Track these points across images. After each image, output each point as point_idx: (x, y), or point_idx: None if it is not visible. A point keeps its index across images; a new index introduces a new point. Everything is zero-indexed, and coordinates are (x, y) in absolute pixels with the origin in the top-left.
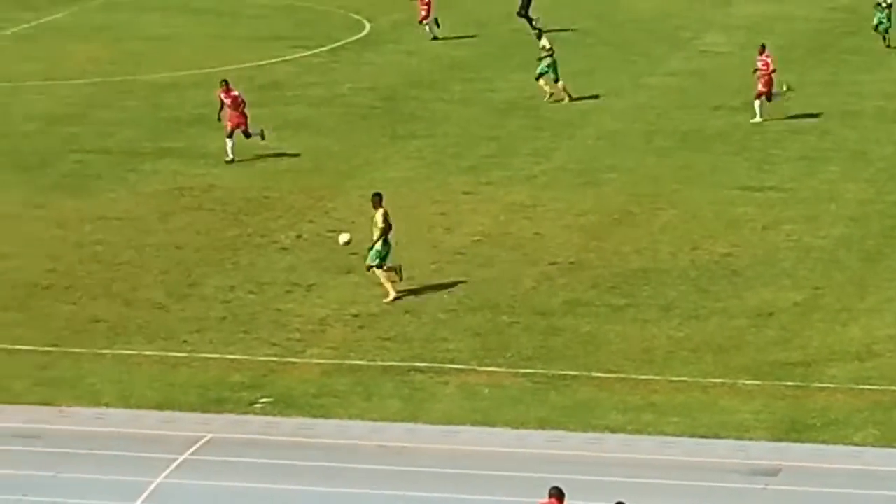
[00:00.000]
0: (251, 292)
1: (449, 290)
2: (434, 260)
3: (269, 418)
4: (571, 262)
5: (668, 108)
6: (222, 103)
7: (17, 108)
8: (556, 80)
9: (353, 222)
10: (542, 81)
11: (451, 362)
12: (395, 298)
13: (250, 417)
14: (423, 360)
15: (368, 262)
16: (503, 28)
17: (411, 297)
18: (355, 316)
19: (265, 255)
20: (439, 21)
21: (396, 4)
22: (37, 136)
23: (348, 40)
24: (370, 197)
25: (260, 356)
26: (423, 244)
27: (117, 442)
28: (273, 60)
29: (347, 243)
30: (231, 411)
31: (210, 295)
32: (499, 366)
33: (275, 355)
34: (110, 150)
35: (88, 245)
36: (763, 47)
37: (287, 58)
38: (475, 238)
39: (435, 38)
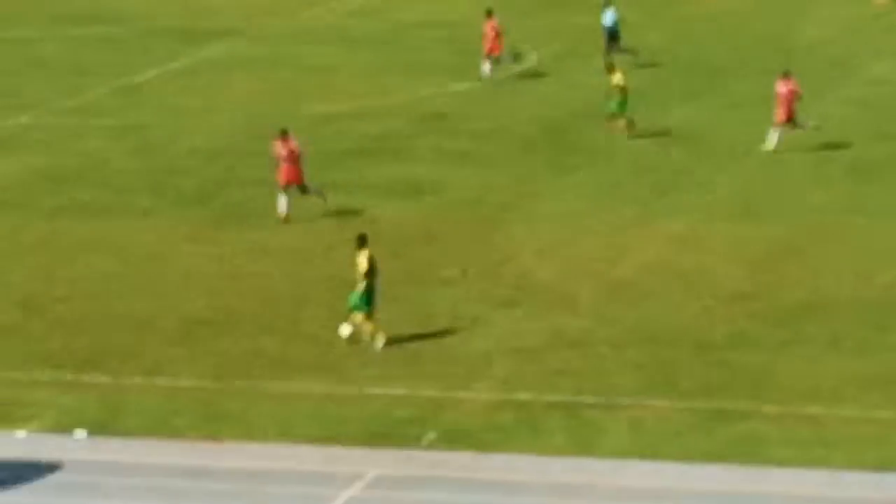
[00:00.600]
0: (416, 326)
1: (614, 323)
2: (598, 292)
3: (435, 454)
4: (736, 295)
5: (835, 137)
6: (278, 155)
7: (178, 142)
8: (617, 114)
9: (517, 254)
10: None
11: (618, 396)
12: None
13: (415, 453)
14: (589, 394)
15: (349, 304)
16: (664, 58)
17: (577, 331)
18: (521, 350)
19: (429, 289)
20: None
21: (559, 36)
22: (197, 170)
23: (512, 72)
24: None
25: (425, 391)
26: (587, 277)
27: (280, 478)
28: (436, 92)
29: (350, 338)
30: (396, 447)
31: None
32: (665, 399)
33: (440, 390)
34: (270, 182)
35: (250, 279)
36: (786, 73)
37: (450, 89)
38: (639, 271)
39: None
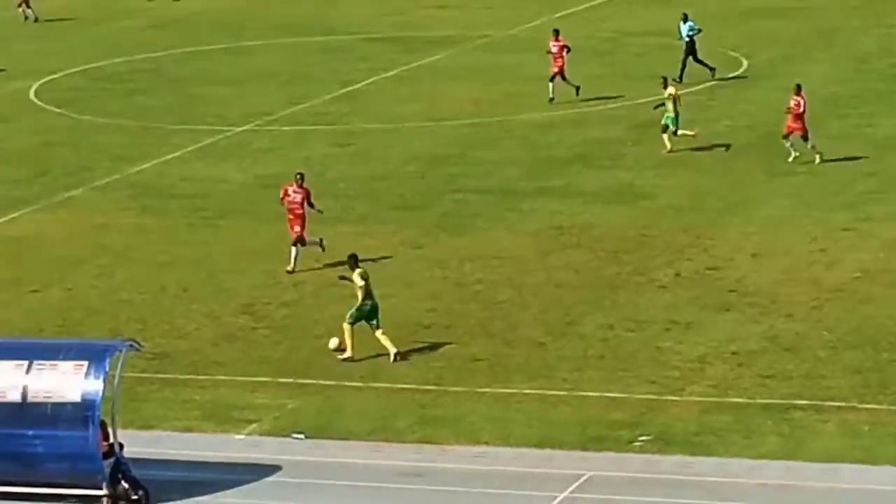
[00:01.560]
0: (630, 330)
1: (829, 327)
2: (814, 297)
3: (649, 456)
4: None
5: None
6: (285, 195)
7: (397, 149)
8: (675, 132)
9: (731, 259)
10: (665, 135)
11: (832, 399)
12: (347, 358)
13: (630, 455)
14: (802, 398)
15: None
16: (883, 63)
17: (792, 335)
18: (734, 353)
19: (644, 294)
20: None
21: (773, 41)
22: (416, 176)
23: (726, 77)
24: (346, 260)
25: (639, 394)
26: (802, 281)
27: (497, 480)
28: (650, 98)
29: (336, 349)
30: (610, 449)
31: (589, 333)
32: (879, 403)
33: (654, 393)
34: (489, 189)
35: (468, 284)
36: (798, 87)
37: (665, 96)
38: (855, 275)
39: (552, 100)
